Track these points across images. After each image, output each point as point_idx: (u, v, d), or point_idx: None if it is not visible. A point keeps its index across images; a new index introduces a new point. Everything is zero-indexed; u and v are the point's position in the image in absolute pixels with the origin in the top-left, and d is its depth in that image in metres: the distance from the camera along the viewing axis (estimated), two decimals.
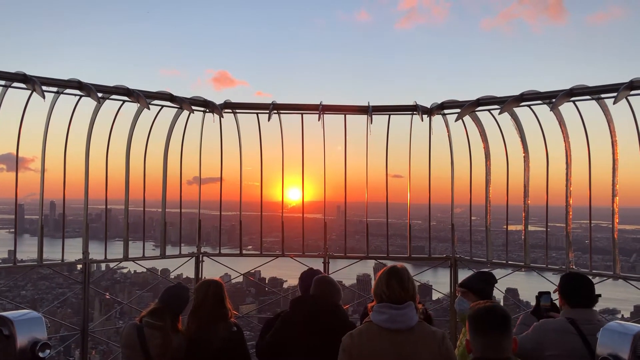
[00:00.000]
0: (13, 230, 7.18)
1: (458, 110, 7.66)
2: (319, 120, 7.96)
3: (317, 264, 8.06)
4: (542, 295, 5.40)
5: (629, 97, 6.28)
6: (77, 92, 6.86)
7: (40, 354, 4.27)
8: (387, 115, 8.17)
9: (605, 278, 6.68)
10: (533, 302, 5.52)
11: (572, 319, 4.41)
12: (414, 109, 7.99)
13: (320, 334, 4.34)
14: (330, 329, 4.30)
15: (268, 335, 4.59)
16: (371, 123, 7.90)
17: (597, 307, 4.70)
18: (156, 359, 4.66)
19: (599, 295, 4.60)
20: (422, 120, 7.99)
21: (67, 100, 6.95)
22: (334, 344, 4.17)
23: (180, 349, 4.78)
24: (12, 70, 6.38)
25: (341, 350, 3.57)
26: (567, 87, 6.63)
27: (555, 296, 5.26)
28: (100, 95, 6.93)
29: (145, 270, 8.48)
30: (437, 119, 8.18)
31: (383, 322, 3.47)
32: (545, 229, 7.57)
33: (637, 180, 6.55)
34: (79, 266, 7.48)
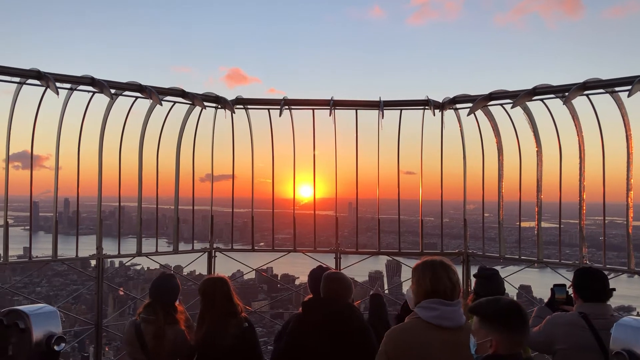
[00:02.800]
0: (28, 227, 7.27)
1: (470, 104, 7.61)
2: (330, 115, 7.97)
3: (329, 260, 8.08)
4: (557, 288, 5.39)
5: None
6: (90, 88, 6.91)
7: (56, 347, 4.33)
8: (399, 110, 8.15)
9: (619, 273, 6.62)
10: (546, 299, 5.50)
11: (585, 313, 4.40)
12: (425, 103, 7.97)
13: (335, 337, 4.20)
14: (345, 331, 4.18)
15: (282, 343, 4.47)
16: (382, 118, 7.89)
17: (612, 304, 4.67)
18: (152, 352, 4.70)
19: (613, 290, 4.56)
20: (434, 115, 7.97)
21: (80, 97, 7.02)
22: (349, 346, 4.09)
23: (178, 340, 4.77)
24: (26, 67, 6.44)
25: (383, 344, 3.31)
26: (581, 81, 6.57)
27: (570, 290, 5.24)
28: (113, 91, 6.98)
29: (158, 266, 8.54)
30: (449, 113, 8.15)
31: (434, 319, 3.21)
32: (558, 226, 7.52)
33: None
34: (93, 262, 7.56)
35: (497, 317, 2.88)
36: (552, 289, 5.49)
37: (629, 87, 6.01)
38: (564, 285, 5.43)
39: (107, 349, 10.03)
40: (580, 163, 7.04)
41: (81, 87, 6.89)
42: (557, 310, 5.01)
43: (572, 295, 5.15)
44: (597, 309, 4.42)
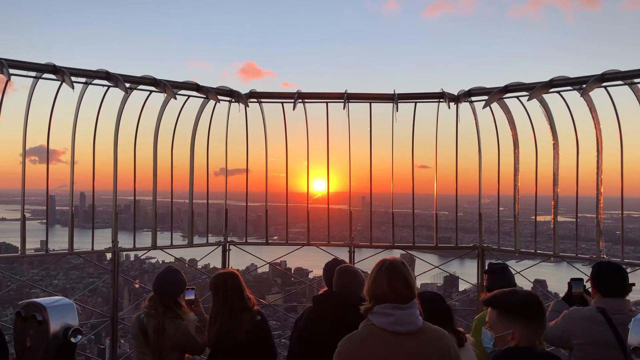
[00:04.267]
0: (45, 221, 7.36)
1: (486, 97, 7.54)
2: (344, 108, 7.93)
3: (343, 254, 8.07)
4: (574, 282, 5.33)
5: None
6: (105, 82, 6.96)
7: (72, 339, 4.38)
8: (413, 103, 8.10)
9: (637, 268, 6.54)
10: (562, 294, 5.45)
11: (603, 308, 4.34)
12: (440, 96, 7.91)
13: (348, 330, 4.20)
14: (358, 324, 4.21)
15: (295, 339, 4.45)
16: (397, 111, 7.85)
17: (630, 298, 4.61)
18: (154, 344, 4.74)
19: (633, 284, 4.50)
20: (449, 108, 7.92)
21: (95, 91, 7.07)
22: None
23: (179, 334, 4.80)
24: (42, 62, 6.49)
25: (335, 355, 3.12)
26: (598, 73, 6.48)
27: (588, 284, 5.18)
28: (127, 85, 7.02)
29: (173, 260, 8.60)
30: (464, 107, 8.09)
31: (389, 325, 3.00)
32: (574, 219, 7.44)
33: None
34: (109, 255, 7.62)
35: (520, 309, 2.87)
36: (569, 283, 5.44)
37: None
38: (581, 280, 5.37)
39: (122, 341, 10.12)
40: (598, 156, 6.95)
41: (96, 81, 6.93)
42: (574, 305, 4.96)
43: (589, 289, 5.10)
44: (616, 304, 4.36)
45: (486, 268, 5.47)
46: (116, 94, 7.14)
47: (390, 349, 3.00)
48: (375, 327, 3.06)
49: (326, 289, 4.82)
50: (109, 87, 7.03)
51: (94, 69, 6.88)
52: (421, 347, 3.01)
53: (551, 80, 6.85)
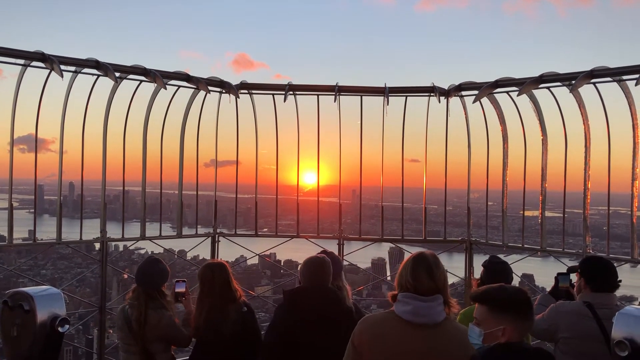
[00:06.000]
0: (33, 210, 7.31)
1: (476, 92, 7.57)
2: (334, 101, 7.93)
3: (332, 246, 8.08)
4: (561, 276, 5.39)
5: None
6: (95, 71, 6.91)
7: (60, 329, 4.36)
8: (404, 97, 8.11)
9: (622, 263, 6.60)
10: (549, 288, 5.50)
11: (590, 302, 4.39)
12: (431, 90, 7.93)
13: (323, 322, 4.07)
14: (333, 315, 4.10)
15: (271, 336, 4.29)
16: (387, 104, 7.86)
17: (615, 293, 4.66)
18: (137, 335, 4.74)
19: (621, 281, 4.56)
20: (440, 102, 7.93)
21: (85, 81, 7.01)
22: (339, 330, 3.96)
23: (162, 325, 4.78)
24: (31, 50, 6.43)
25: (353, 335, 3.17)
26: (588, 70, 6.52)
27: (574, 278, 5.23)
28: (117, 74, 6.97)
29: (162, 251, 8.57)
30: (455, 101, 8.12)
31: (406, 314, 3.05)
32: (562, 215, 7.51)
33: None
34: (97, 245, 7.59)
35: (511, 306, 2.85)
36: (556, 278, 5.49)
37: (637, 76, 5.97)
38: (567, 274, 5.43)
39: (110, 332, 10.09)
40: (586, 152, 7.01)
41: (86, 70, 6.87)
42: (560, 299, 5.01)
43: (574, 283, 5.15)
44: (603, 299, 4.41)
45: (486, 261, 5.47)
46: (106, 83, 7.10)
47: (403, 337, 3.04)
48: (394, 314, 3.12)
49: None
50: (98, 76, 6.98)
51: (84, 57, 6.82)
52: (436, 342, 3.02)
53: (541, 76, 6.88)
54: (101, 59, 6.79)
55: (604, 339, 4.17)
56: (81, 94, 7.12)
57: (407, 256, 3.36)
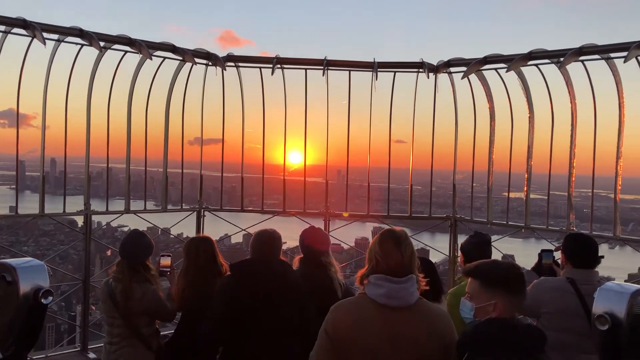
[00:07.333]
0: (14, 186, 7.20)
1: (465, 68, 7.55)
2: (323, 75, 7.84)
3: (318, 223, 8.08)
4: (545, 253, 5.47)
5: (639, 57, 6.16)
6: (79, 40, 6.73)
7: (43, 301, 4.29)
8: (393, 73, 8.05)
9: (605, 240, 6.70)
10: (529, 268, 5.57)
11: (572, 278, 4.46)
12: (420, 66, 7.89)
13: (269, 296, 3.98)
14: (279, 289, 4.01)
15: (216, 310, 4.13)
16: (376, 79, 7.80)
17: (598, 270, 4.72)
18: (122, 309, 4.72)
19: (602, 257, 4.62)
20: (428, 78, 7.90)
21: (68, 50, 6.84)
22: (285, 303, 3.95)
23: (146, 299, 4.75)
24: (12, 16, 6.23)
25: (325, 321, 3.05)
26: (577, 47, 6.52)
27: (557, 255, 5.30)
28: (102, 44, 6.81)
29: (145, 229, 8.47)
30: (443, 78, 8.09)
31: (380, 297, 2.96)
32: (544, 197, 7.58)
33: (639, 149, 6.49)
34: (80, 222, 7.48)
35: (504, 281, 2.85)
36: (539, 254, 5.56)
37: (625, 54, 5.98)
38: (550, 251, 5.51)
39: (93, 308, 10.03)
40: (572, 130, 7.05)
41: (69, 39, 6.70)
42: (543, 275, 5.07)
43: (558, 260, 5.22)
44: (585, 275, 4.48)
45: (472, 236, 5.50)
46: (90, 53, 6.94)
47: (378, 321, 2.95)
48: (367, 298, 3.02)
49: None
50: (82, 45, 6.81)
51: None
52: (410, 324, 2.95)
53: (530, 53, 6.87)
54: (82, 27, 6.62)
55: (585, 314, 4.25)
56: (63, 65, 6.96)
57: None
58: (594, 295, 3.50)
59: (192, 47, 7.63)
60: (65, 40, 6.71)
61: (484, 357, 2.56)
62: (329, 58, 7.78)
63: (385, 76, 8.05)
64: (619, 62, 6.34)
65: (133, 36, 6.98)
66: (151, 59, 7.14)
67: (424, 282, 3.13)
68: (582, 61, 6.63)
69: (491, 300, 2.81)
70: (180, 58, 7.65)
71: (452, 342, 2.95)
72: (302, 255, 4.84)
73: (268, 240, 4.31)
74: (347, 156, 8.36)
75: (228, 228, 8.90)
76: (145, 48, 6.95)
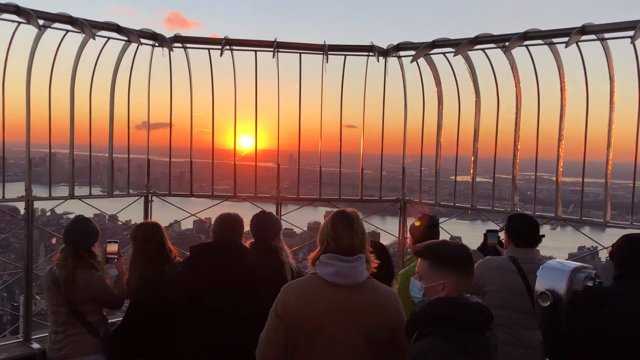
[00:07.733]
0: None
1: (414, 52, 7.61)
2: (273, 57, 7.75)
3: (270, 208, 8.03)
4: (490, 233, 5.66)
5: (579, 43, 6.36)
6: (15, 17, 6.36)
7: None
8: (343, 56, 8.03)
9: (548, 220, 6.94)
10: (475, 248, 5.75)
11: (515, 257, 4.63)
12: (370, 49, 7.89)
13: (225, 280, 4.00)
14: (236, 275, 4.02)
15: (173, 291, 4.12)
16: (327, 62, 7.78)
17: (539, 249, 4.91)
18: (66, 296, 4.63)
19: (543, 236, 4.82)
20: (378, 61, 7.94)
21: (3, 28, 6.46)
22: (241, 289, 3.96)
23: (92, 286, 4.69)
24: None
25: (276, 301, 3.12)
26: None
27: (502, 235, 5.48)
28: (41, 22, 6.48)
29: (92, 216, 8.20)
30: (394, 62, 8.15)
31: (329, 276, 3.05)
32: (490, 180, 7.80)
33: (580, 133, 6.75)
34: (22, 210, 7.16)
35: (452, 260, 2.91)
36: (485, 235, 5.75)
37: (566, 39, 6.15)
38: (495, 231, 5.70)
39: (37, 298, 9.72)
40: (517, 114, 7.25)
41: (4, 16, 6.33)
42: (488, 255, 5.24)
43: (503, 240, 5.40)
44: (527, 254, 4.67)
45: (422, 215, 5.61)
46: (28, 31, 6.57)
47: (327, 299, 3.01)
48: (317, 276, 3.11)
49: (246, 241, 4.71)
50: (19, 23, 6.46)
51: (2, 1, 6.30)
52: (358, 302, 3.03)
53: (476, 37, 6.98)
54: (19, 3, 6.26)
55: (527, 291, 4.42)
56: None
57: None
58: (537, 274, 3.63)
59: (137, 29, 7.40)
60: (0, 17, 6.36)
61: (434, 336, 2.62)
62: (279, 40, 7.69)
63: (336, 60, 8.04)
64: (560, 47, 6.52)
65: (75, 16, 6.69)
66: (94, 39, 6.86)
67: (375, 263, 3.22)
68: (527, 46, 6.78)
69: (440, 280, 2.86)
70: (126, 38, 7.38)
71: (398, 320, 3.07)
72: (253, 240, 4.84)
73: (229, 224, 4.34)
74: (298, 140, 8.33)
75: (178, 214, 8.73)
76: (88, 27, 6.67)
